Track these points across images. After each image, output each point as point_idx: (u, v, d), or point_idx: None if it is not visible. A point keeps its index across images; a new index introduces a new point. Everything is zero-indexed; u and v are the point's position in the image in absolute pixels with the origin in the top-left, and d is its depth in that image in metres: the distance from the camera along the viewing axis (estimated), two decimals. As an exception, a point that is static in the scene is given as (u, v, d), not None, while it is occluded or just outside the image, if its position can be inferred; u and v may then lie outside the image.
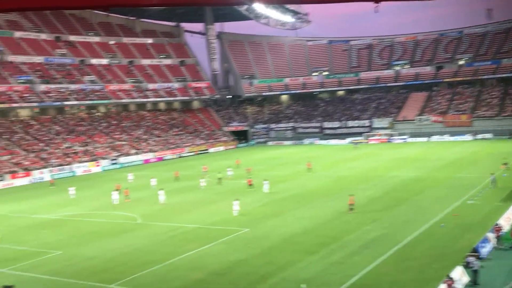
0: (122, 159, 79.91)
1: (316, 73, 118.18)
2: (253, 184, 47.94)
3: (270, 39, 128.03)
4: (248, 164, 65.85)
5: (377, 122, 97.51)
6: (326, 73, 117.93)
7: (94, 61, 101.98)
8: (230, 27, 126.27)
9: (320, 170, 58.27)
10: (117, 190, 45.80)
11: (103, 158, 78.56)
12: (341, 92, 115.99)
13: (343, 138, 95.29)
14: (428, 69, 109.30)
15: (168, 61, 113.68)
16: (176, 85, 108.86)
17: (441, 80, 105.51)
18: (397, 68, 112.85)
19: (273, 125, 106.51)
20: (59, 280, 24.49)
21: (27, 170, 68.43)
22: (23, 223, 38.87)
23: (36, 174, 68.10)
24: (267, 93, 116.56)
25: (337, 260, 24.92)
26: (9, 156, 71.08)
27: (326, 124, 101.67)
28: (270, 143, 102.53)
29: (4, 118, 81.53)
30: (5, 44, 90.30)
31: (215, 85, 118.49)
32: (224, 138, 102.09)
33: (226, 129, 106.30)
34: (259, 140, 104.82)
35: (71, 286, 23.26)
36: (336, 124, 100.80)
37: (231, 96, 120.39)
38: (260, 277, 23.15)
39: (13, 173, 66.61)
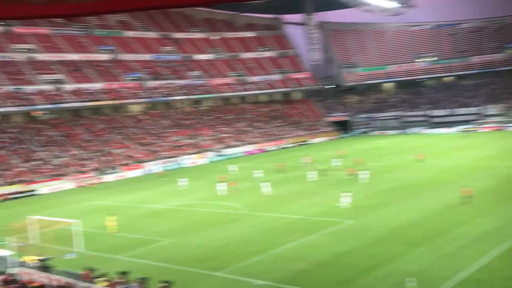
0: (226, 151, 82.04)
1: (421, 59, 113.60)
2: (355, 174, 47.21)
3: (372, 26, 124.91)
4: (351, 154, 64.90)
5: (488, 109, 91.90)
6: (432, 58, 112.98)
7: (198, 56, 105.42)
8: (331, 16, 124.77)
9: (428, 160, 56.08)
10: (222, 181, 47.06)
11: (209, 150, 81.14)
12: (448, 78, 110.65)
13: (451, 127, 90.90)
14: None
15: (268, 54, 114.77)
16: (277, 77, 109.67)
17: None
18: (510, 51, 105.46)
19: (376, 115, 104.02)
20: (169, 267, 25.69)
21: (139, 163, 72.38)
22: (136, 213, 41.18)
23: (147, 166, 71.83)
24: (370, 82, 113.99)
25: (446, 253, 23.89)
26: (123, 150, 75.56)
27: (433, 112, 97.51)
28: (373, 133, 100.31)
29: (117, 114, 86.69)
30: (117, 43, 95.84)
31: (316, 76, 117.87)
32: (325, 129, 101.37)
33: (327, 119, 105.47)
34: (361, 130, 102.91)
35: (181, 273, 24.30)
36: (443, 112, 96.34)
37: (332, 86, 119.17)
38: (365, 269, 22.78)
39: (126, 165, 70.79)
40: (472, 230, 27.33)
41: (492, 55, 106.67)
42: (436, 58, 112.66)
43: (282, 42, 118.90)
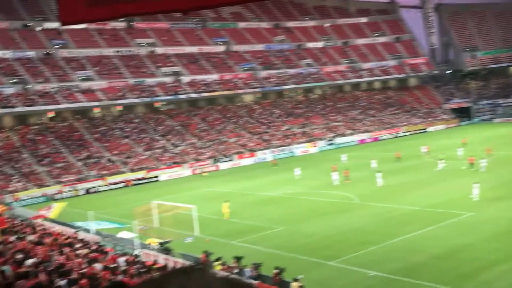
0: (338, 140, 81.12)
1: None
2: (475, 163, 44.48)
3: (494, 6, 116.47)
4: (472, 143, 61.25)
5: None
6: None
7: (310, 45, 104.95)
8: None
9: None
10: (334, 171, 46.51)
11: (320, 139, 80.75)
12: None
13: None
14: None
15: (382, 39, 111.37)
16: (392, 63, 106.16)
17: None
18: None
19: (500, 101, 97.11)
20: (281, 254, 25.95)
21: (252, 151, 73.87)
22: (249, 200, 42.06)
23: (259, 155, 73.09)
24: (493, 66, 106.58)
25: None
26: (236, 138, 77.51)
27: None
28: (496, 120, 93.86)
29: (231, 104, 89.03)
30: (230, 35, 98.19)
31: (433, 61, 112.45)
32: (444, 116, 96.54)
33: (446, 106, 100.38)
34: (483, 117, 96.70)
35: (293, 260, 24.44)
36: None
37: (451, 71, 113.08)
38: (487, 264, 21.43)
39: (239, 154, 72.58)
40: None
41: None
42: None
43: (397, 26, 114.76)
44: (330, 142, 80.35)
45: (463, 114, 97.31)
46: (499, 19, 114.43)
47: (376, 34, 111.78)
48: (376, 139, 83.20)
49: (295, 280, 19.18)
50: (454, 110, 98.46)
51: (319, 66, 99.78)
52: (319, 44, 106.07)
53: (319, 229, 30.25)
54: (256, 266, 21.41)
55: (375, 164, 51.18)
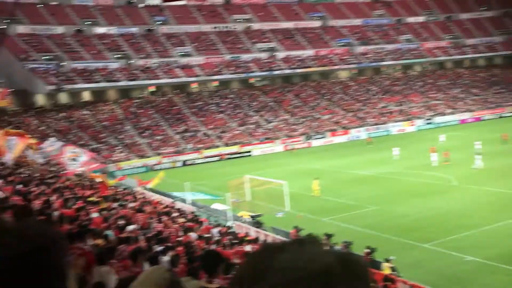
0: (437, 119, 77.88)
1: None
2: None
3: None
4: None
5: None
6: None
7: (410, 19, 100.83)
8: None
9: None
10: (433, 152, 44.60)
11: (418, 118, 77.97)
12: None
13: None
14: None
15: (489, 14, 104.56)
16: (498, 39, 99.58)
17: None
18: None
19: None
20: (373, 233, 25.58)
21: (345, 129, 72.87)
22: (341, 178, 41.69)
23: (353, 133, 71.96)
24: None
25: None
26: (330, 115, 76.75)
27: None
28: None
29: (325, 80, 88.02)
30: (327, 9, 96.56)
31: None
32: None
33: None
34: None
35: (384, 240, 24.02)
36: None
37: None
38: None
39: (332, 131, 71.87)
40: None
41: None
42: None
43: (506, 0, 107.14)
44: (428, 121, 77.35)
45: None
46: None
47: (482, 8, 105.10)
48: (478, 119, 78.91)
49: (387, 260, 18.87)
50: None
51: (419, 41, 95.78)
52: (420, 19, 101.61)
53: (413, 210, 29.43)
54: (347, 245, 21.28)
55: (479, 146, 47.38)
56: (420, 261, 21.41)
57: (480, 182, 35.21)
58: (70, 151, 29.00)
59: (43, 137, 46.25)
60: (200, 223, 23.12)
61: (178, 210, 26.79)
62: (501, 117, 79.86)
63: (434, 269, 20.54)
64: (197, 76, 77.31)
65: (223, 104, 76.57)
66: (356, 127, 73.40)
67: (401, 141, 62.11)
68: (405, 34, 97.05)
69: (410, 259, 21.34)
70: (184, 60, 78.41)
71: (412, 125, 75.84)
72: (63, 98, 70.97)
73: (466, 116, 79.77)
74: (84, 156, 29.83)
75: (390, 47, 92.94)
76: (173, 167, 58.93)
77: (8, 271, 1.21)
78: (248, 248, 17.07)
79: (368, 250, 20.24)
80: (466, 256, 21.33)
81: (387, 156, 50.22)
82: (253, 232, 25.40)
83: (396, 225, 26.80)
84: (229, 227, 24.69)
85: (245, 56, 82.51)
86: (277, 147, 66.24)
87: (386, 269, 18.30)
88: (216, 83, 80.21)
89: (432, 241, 23.62)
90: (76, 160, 26.92)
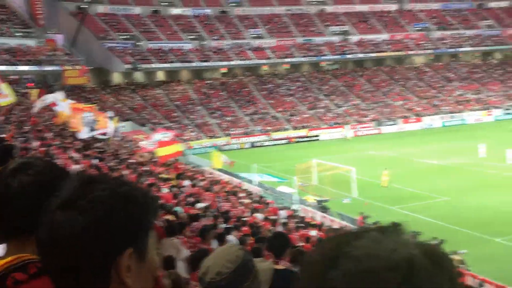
0: (518, 109, 74.09)
1: None
2: None
3: None
4: None
5: None
6: None
7: (493, 4, 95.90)
8: None
9: None
10: None
11: (496, 107, 74.48)
12: None
13: None
14: None
15: None
16: None
17: None
18: None
19: None
20: (443, 225, 24.92)
21: (418, 116, 70.79)
22: (412, 167, 40.69)
23: (426, 120, 69.81)
24: None
25: None
26: (402, 102, 74.77)
27: None
28: None
29: (399, 65, 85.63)
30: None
31: None
32: None
33: None
34: None
35: (454, 233, 23.34)
36: None
37: None
38: None
39: (405, 118, 70.04)
40: None
41: None
42: None
43: None
44: (508, 111, 73.72)
45: None
46: None
47: None
48: None
49: (455, 253, 18.35)
50: None
51: (501, 28, 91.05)
52: (504, 4, 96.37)
53: (487, 204, 28.33)
54: (414, 235, 20.86)
55: None
56: (492, 256, 20.67)
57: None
58: (161, 134, 29.29)
59: (118, 114, 48.02)
60: (267, 204, 23.35)
61: (245, 190, 27.15)
62: None
63: (506, 264, 19.77)
64: (268, 58, 77.38)
65: (293, 87, 76.32)
66: (430, 115, 71.14)
67: (478, 131, 59.69)
68: (486, 19, 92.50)
69: (480, 253, 20.63)
70: (256, 42, 78.62)
71: (490, 114, 72.57)
72: (139, 77, 73.20)
73: (549, 107, 75.33)
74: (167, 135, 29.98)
75: (469, 32, 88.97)
76: (242, 148, 59.62)
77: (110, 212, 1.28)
78: (313, 232, 17.09)
79: (435, 242, 19.78)
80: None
81: (462, 147, 48.38)
82: (318, 216, 25.38)
83: (468, 218, 25.94)
84: (295, 210, 24.79)
85: (317, 39, 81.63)
86: (346, 132, 65.41)
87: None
88: (287, 66, 79.99)
89: (506, 236, 22.71)
90: (152, 139, 27.68)
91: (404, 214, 27.00)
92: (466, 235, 23.28)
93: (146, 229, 1.33)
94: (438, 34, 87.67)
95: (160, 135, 27.87)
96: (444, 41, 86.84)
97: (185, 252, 7.06)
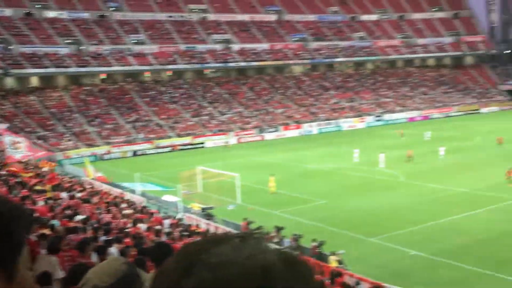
0: (386, 116, 79.67)
1: None
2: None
3: None
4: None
5: None
6: None
7: (364, 17, 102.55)
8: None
9: None
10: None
11: (368, 114, 79.51)
12: None
13: None
14: None
15: (440, 14, 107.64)
16: (448, 39, 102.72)
17: None
18: None
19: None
20: (322, 227, 25.95)
21: (298, 123, 73.51)
22: (293, 172, 42.04)
23: (305, 127, 72.69)
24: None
25: None
26: (283, 109, 77.24)
27: None
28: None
29: (279, 74, 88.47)
30: (283, 4, 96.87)
31: (492, 39, 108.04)
32: (499, 98, 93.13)
33: (502, 87, 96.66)
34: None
35: (333, 234, 24.40)
36: None
37: (510, 51, 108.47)
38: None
39: (285, 125, 72.38)
40: None
41: None
42: None
43: (456, 1, 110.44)
44: (378, 118, 79.01)
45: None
46: None
47: (434, 9, 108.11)
48: (426, 118, 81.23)
49: (334, 254, 19.17)
50: (510, 92, 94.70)
51: (372, 39, 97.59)
52: (374, 17, 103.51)
53: (362, 205, 30.01)
54: (296, 238, 21.51)
55: (443, 153, 44.72)
56: (367, 255, 21.85)
57: (426, 179, 36.24)
58: (8, 138, 27.87)
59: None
60: (151, 214, 22.83)
61: (127, 201, 26.35)
62: (448, 116, 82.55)
63: (379, 263, 21.02)
64: (150, 64, 76.13)
65: (176, 94, 75.75)
66: (308, 122, 74.18)
67: (351, 137, 63.25)
68: (359, 31, 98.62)
69: (357, 253, 21.75)
70: (137, 48, 77.04)
71: (363, 121, 77.27)
72: (10, 82, 68.46)
73: (414, 114, 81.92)
74: (24, 143, 28.79)
75: (343, 44, 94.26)
76: (124, 157, 57.93)
77: None
78: (213, 235, 16.92)
79: (316, 243, 20.53)
80: (411, 250, 21.93)
81: (338, 151, 51.01)
82: (203, 224, 25.29)
83: (345, 219, 27.27)
84: (179, 219, 24.48)
85: (200, 47, 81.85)
86: (230, 139, 66.11)
87: (333, 262, 18.60)
88: (169, 73, 79.26)
89: (380, 235, 24.16)
90: (18, 147, 26.03)
91: (287, 218, 27.75)
92: (345, 236, 24.44)
93: (14, 246, 1.22)
94: (314, 44, 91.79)
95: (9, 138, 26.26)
96: (320, 52, 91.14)
97: (60, 273, 6.66)
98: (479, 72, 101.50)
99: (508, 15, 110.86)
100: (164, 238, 14.93)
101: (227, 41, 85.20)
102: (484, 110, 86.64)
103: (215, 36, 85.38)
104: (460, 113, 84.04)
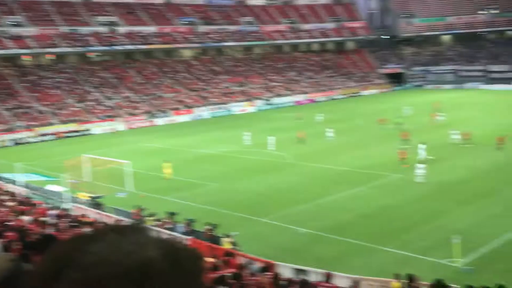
0: (275, 100, 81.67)
1: (484, 12, 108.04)
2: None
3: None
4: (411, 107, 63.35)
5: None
6: (495, 11, 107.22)
7: (251, 2, 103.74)
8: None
9: (485, 116, 54.09)
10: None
11: (258, 99, 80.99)
12: (511, 32, 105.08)
13: (511, 83, 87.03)
14: None
15: (323, 1, 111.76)
16: (330, 25, 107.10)
17: None
18: None
19: (431, 68, 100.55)
20: (215, 210, 26.25)
21: (189, 108, 73.15)
22: (184, 157, 41.87)
23: (196, 112, 72.53)
24: (427, 33, 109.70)
25: (495, 213, 23.36)
26: (173, 94, 76.42)
27: (492, 68, 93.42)
28: (427, 86, 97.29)
29: (169, 58, 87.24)
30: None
31: (371, 25, 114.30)
32: (378, 81, 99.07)
33: (380, 71, 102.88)
34: (415, 83, 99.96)
35: (226, 216, 24.80)
36: (503, 67, 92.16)
37: (387, 37, 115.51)
38: (412, 224, 22.66)
39: (176, 110, 71.72)
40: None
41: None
42: (498, 11, 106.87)
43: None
44: (267, 102, 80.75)
45: (396, 79, 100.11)
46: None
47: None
48: (312, 101, 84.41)
49: (227, 236, 19.52)
50: (388, 75, 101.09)
51: (259, 24, 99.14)
52: (261, 2, 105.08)
53: (253, 187, 30.73)
54: (189, 222, 21.60)
55: (331, 134, 46.58)
56: (260, 235, 22.50)
57: (311, 159, 37.82)
58: None
59: None
60: (34, 205, 21.73)
61: (9, 192, 24.85)
62: (332, 99, 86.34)
63: (272, 241, 21.74)
64: (29, 48, 71.61)
65: (59, 79, 72.04)
66: (200, 106, 74.08)
67: (242, 120, 64.14)
68: (247, 16, 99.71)
69: (250, 233, 22.30)
70: (15, 31, 72.07)
71: (253, 105, 78.60)
72: None
73: (301, 97, 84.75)
74: None
75: (232, 28, 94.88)
76: (3, 147, 54.29)
77: None
78: (87, 230, 16.44)
79: (209, 227, 20.75)
80: (301, 228, 22.89)
81: (229, 135, 51.55)
82: (92, 213, 24.53)
83: (237, 201, 27.79)
84: (66, 210, 23.55)
85: (83, 29, 78.32)
86: (119, 125, 64.25)
87: (226, 244, 18.94)
88: (51, 57, 75.14)
89: (271, 215, 24.94)
90: None
91: (180, 203, 27.70)
92: (237, 218, 24.92)
93: None
94: (203, 28, 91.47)
95: None
96: (210, 36, 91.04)
97: None
98: (360, 57, 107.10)
99: (384, 2, 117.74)
100: (50, 230, 14.32)
101: (113, 24, 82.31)
102: (364, 92, 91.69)
103: (100, 18, 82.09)
104: (343, 96, 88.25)
